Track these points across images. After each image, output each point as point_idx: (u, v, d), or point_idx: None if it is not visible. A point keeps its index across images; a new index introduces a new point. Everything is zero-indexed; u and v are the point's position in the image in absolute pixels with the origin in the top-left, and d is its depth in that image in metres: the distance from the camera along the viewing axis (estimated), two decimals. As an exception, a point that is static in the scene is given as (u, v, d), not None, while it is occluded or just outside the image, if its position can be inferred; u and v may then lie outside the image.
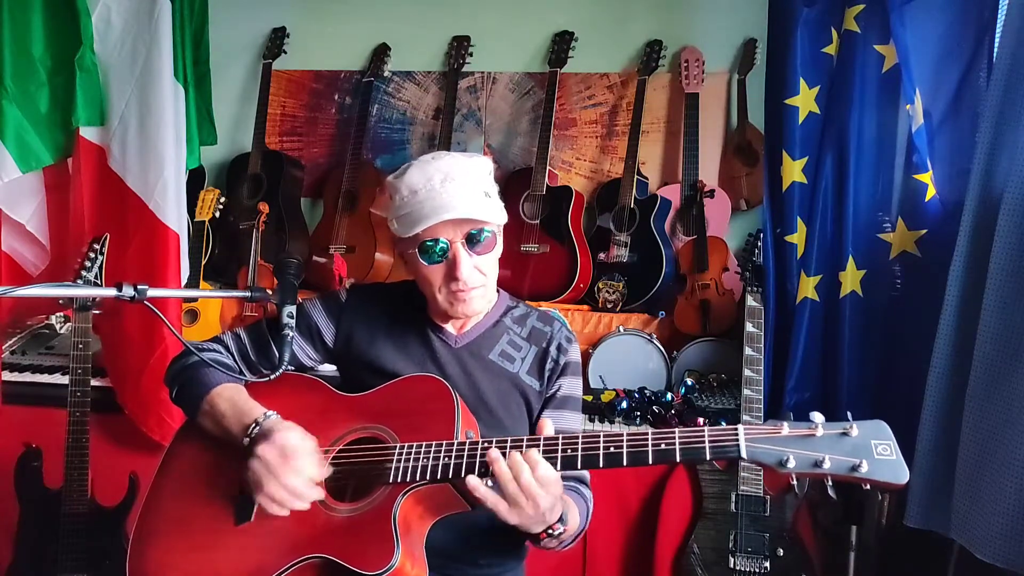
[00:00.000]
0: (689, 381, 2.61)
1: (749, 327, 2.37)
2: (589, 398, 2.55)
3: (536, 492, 1.18)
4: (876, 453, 1.08)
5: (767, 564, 2.24)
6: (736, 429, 1.13)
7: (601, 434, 1.20)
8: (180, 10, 2.66)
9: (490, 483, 1.19)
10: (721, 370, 2.68)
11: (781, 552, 2.24)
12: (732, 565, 2.25)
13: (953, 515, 1.80)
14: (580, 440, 1.21)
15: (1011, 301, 1.71)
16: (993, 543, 1.67)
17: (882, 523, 2.55)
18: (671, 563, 2.33)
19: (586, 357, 2.74)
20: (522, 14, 3.28)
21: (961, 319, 1.85)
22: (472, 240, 1.38)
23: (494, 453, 1.20)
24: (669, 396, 2.53)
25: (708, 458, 1.14)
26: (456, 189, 1.36)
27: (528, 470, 1.18)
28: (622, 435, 1.19)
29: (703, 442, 1.15)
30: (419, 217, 1.35)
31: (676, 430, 1.17)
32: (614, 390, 2.62)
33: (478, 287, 1.41)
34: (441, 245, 1.37)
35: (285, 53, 3.39)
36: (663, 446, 1.16)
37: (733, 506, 2.27)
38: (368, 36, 3.39)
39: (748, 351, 2.35)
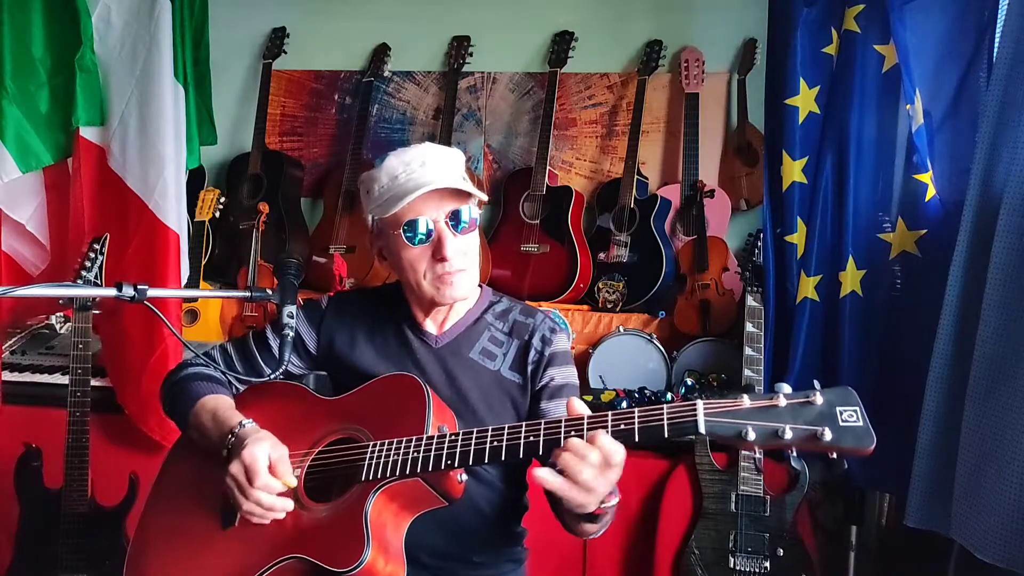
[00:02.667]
0: (689, 381, 2.60)
1: (749, 327, 2.37)
2: (589, 398, 2.55)
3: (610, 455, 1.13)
4: (841, 420, 1.03)
5: (767, 564, 2.24)
6: (694, 404, 1.10)
7: (563, 419, 1.18)
8: (180, 10, 2.67)
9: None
10: (721, 370, 2.68)
11: (781, 552, 2.24)
12: (732, 565, 2.25)
13: (953, 515, 1.80)
14: (542, 426, 1.19)
15: (1011, 301, 1.71)
16: (993, 543, 1.67)
17: (882, 523, 2.56)
18: (671, 563, 2.32)
19: (586, 357, 2.74)
20: (522, 14, 3.28)
21: (961, 319, 1.85)
22: (455, 219, 1.39)
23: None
24: (669, 396, 2.53)
25: (666, 436, 1.11)
26: (436, 169, 1.40)
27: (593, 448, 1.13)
28: (583, 418, 1.16)
29: (661, 420, 1.11)
30: (403, 194, 1.37)
31: (636, 410, 1.14)
32: (614, 390, 2.62)
33: (464, 270, 1.41)
34: (426, 223, 1.38)
35: (285, 53, 3.38)
36: (622, 426, 1.13)
37: (733, 506, 2.27)
38: (368, 36, 3.38)
39: (748, 351, 2.35)
